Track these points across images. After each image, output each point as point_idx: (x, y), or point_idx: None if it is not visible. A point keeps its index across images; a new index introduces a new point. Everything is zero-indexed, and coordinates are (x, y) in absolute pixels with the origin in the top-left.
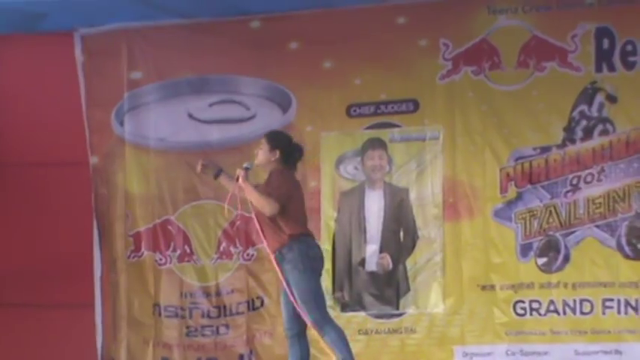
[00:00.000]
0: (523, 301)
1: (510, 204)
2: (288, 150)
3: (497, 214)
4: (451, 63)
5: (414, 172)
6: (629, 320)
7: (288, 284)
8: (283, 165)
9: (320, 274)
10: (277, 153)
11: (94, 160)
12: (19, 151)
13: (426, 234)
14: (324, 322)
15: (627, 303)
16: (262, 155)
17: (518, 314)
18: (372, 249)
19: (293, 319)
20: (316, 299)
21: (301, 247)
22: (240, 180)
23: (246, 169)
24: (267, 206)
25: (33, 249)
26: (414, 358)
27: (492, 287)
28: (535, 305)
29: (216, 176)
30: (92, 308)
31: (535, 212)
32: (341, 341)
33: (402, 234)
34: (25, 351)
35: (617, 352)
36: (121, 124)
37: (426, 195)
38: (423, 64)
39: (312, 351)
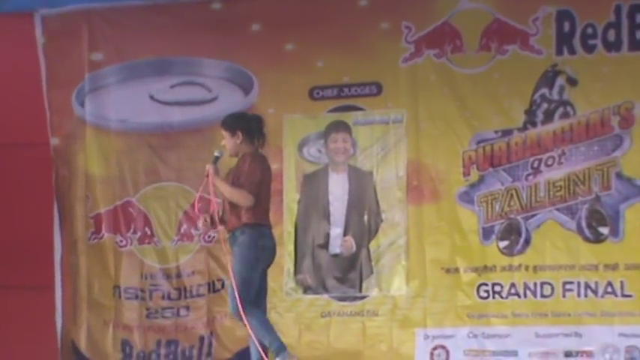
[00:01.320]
0: (486, 284)
1: (473, 187)
2: (247, 126)
3: (461, 197)
4: (413, 46)
5: (378, 155)
6: (588, 303)
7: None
8: (250, 143)
9: (266, 266)
10: (239, 134)
11: (54, 141)
12: None
13: (390, 217)
14: (247, 312)
15: (587, 286)
16: (228, 143)
17: (481, 297)
18: (335, 232)
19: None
20: (246, 288)
21: (253, 234)
22: (210, 176)
23: (217, 158)
24: (241, 199)
25: None
26: (376, 340)
27: (457, 270)
28: (497, 288)
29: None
30: (52, 290)
31: (496, 195)
32: (262, 327)
33: (365, 217)
34: None
35: (577, 334)
36: (82, 105)
37: (390, 178)
38: (386, 47)
39: None
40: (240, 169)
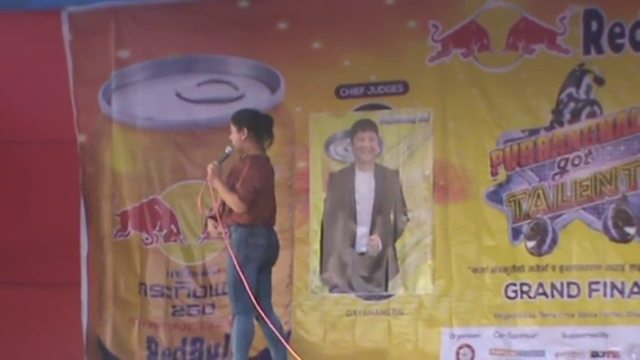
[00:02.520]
0: (514, 284)
1: (501, 187)
2: (254, 124)
3: (490, 196)
4: (440, 45)
5: (404, 153)
6: (614, 303)
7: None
8: (256, 142)
9: (258, 264)
10: (245, 131)
11: (81, 138)
12: (7, 129)
13: (416, 216)
14: (237, 311)
15: (613, 286)
16: (233, 138)
17: (509, 297)
18: (362, 230)
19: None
20: (236, 288)
21: (244, 232)
22: (209, 175)
23: (227, 156)
24: (234, 205)
25: (20, 227)
26: (401, 339)
27: (484, 270)
28: (525, 288)
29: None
30: (78, 287)
31: (523, 195)
32: (240, 338)
33: (392, 216)
34: (11, 329)
35: (603, 334)
36: (109, 102)
37: (416, 177)
38: (413, 46)
39: (299, 330)
40: (239, 172)
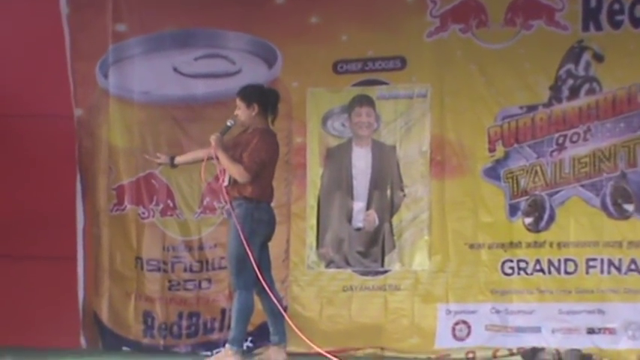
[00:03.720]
0: (511, 261)
1: (498, 163)
2: (263, 100)
3: (487, 173)
4: (439, 20)
5: (401, 129)
6: (611, 280)
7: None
8: (264, 117)
9: (262, 239)
10: (255, 107)
11: (78, 112)
12: (4, 103)
13: (413, 191)
14: (236, 287)
15: (610, 263)
16: (242, 114)
17: (505, 274)
18: (358, 206)
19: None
20: (239, 263)
21: (249, 207)
22: (213, 146)
23: (228, 128)
24: (238, 175)
25: (16, 201)
26: (398, 315)
27: (480, 246)
28: (522, 265)
29: (173, 164)
30: (74, 261)
31: (521, 172)
32: (239, 313)
33: (388, 191)
34: (6, 303)
35: (600, 311)
36: (106, 76)
37: (413, 152)
38: (411, 21)
39: (295, 306)
40: (247, 143)
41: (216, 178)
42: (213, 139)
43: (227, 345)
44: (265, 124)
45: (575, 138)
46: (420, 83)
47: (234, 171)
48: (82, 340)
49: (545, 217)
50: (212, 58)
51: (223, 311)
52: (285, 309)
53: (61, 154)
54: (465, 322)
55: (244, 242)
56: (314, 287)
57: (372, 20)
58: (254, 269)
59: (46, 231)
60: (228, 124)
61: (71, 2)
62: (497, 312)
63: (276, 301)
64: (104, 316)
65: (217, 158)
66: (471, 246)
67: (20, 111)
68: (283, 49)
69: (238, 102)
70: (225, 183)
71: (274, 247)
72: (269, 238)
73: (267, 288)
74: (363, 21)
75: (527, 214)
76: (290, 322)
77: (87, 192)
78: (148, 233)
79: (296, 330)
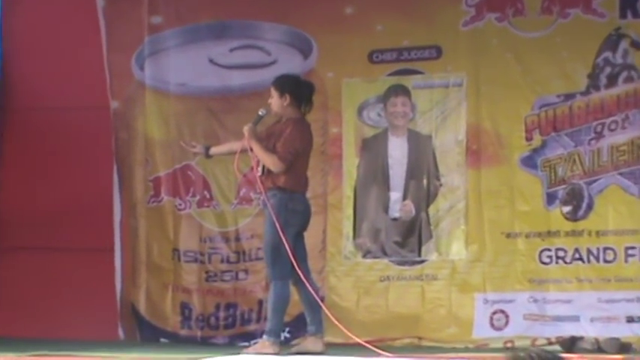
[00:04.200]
0: (549, 249)
1: (536, 152)
2: (296, 91)
3: (524, 161)
4: (474, 9)
5: (437, 118)
6: None
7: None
8: (297, 108)
9: (296, 230)
10: (287, 97)
11: (114, 104)
12: (41, 96)
13: (449, 181)
14: (273, 277)
15: None
16: (274, 103)
17: (543, 262)
18: (395, 196)
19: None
20: (274, 253)
21: (283, 197)
22: (246, 136)
23: (260, 118)
24: (272, 165)
25: (53, 193)
26: (435, 305)
27: (517, 235)
28: (561, 253)
29: (207, 154)
30: (112, 253)
31: (559, 160)
32: (276, 304)
33: (425, 181)
34: (45, 295)
35: (639, 299)
36: (142, 68)
37: (450, 142)
38: (446, 11)
39: (332, 296)
40: (280, 133)
41: (252, 169)
42: (246, 130)
43: (264, 336)
44: (299, 114)
45: (613, 126)
46: (455, 72)
47: (269, 161)
48: (120, 332)
49: (584, 205)
50: (248, 49)
51: (260, 302)
52: (322, 299)
53: (97, 147)
54: (502, 312)
55: (279, 232)
56: (351, 277)
57: (407, 10)
58: (289, 259)
59: (83, 223)
60: (260, 113)
61: None
62: (535, 301)
63: (312, 292)
64: (142, 307)
65: (251, 149)
66: (508, 235)
67: (57, 104)
68: (318, 39)
69: (272, 91)
70: (259, 173)
71: (311, 237)
72: (304, 228)
73: (303, 278)
74: (398, 11)
75: (565, 203)
76: (327, 312)
77: (124, 184)
78: (185, 225)
79: (334, 320)
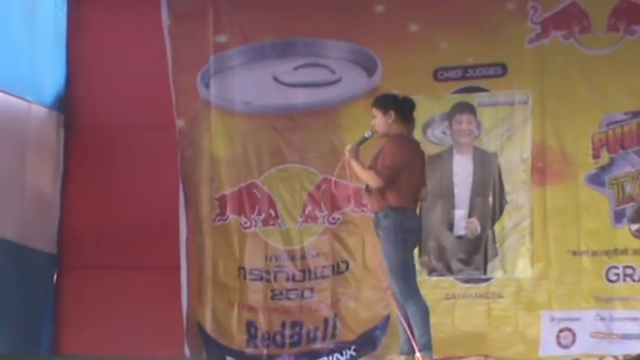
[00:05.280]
0: (616, 267)
1: (604, 169)
2: (400, 107)
3: (591, 179)
4: (540, 27)
5: (502, 136)
6: None
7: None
8: (401, 125)
9: (414, 246)
10: (392, 114)
11: (180, 123)
12: (108, 115)
13: (515, 199)
14: (409, 295)
15: None
16: (379, 123)
17: (610, 280)
18: (460, 213)
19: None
20: (403, 271)
21: (397, 217)
22: (347, 156)
23: (365, 139)
24: (370, 180)
25: (120, 212)
26: (501, 323)
27: (583, 253)
28: (629, 271)
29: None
30: (178, 271)
31: (627, 178)
32: (422, 319)
33: (490, 198)
34: (112, 313)
35: None
36: (207, 87)
37: (515, 159)
38: (511, 28)
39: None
40: (382, 150)
41: (318, 188)
42: (347, 149)
43: (419, 353)
44: (404, 131)
45: None
46: (520, 89)
47: (367, 177)
48: (186, 350)
49: None
50: (312, 67)
51: (326, 320)
52: (388, 317)
53: (163, 165)
54: (569, 330)
55: (400, 252)
56: None
57: (472, 27)
58: (415, 275)
59: (150, 241)
60: (366, 135)
61: (172, 14)
62: (602, 319)
63: (400, 315)
64: (208, 325)
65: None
66: (574, 253)
67: (124, 122)
68: (383, 57)
69: (374, 111)
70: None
71: (376, 255)
72: (417, 245)
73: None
74: (463, 28)
75: (633, 221)
76: (406, 328)
77: (189, 202)
78: (251, 243)
79: (410, 337)
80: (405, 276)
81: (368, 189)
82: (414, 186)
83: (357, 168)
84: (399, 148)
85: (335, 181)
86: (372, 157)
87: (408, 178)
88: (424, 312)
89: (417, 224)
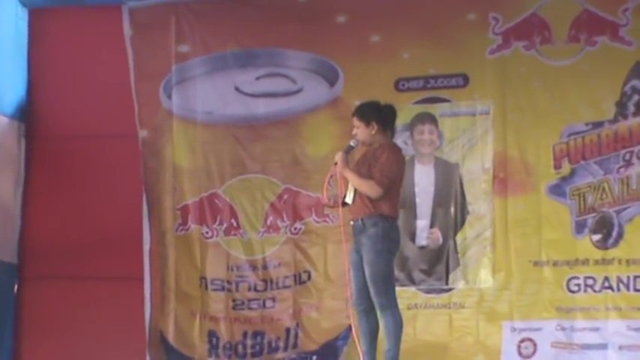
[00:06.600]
0: (577, 278)
1: (565, 180)
2: (382, 117)
3: (552, 190)
4: (501, 37)
5: (464, 147)
6: None
7: (359, 256)
8: (384, 134)
9: (394, 256)
10: (374, 125)
11: (143, 133)
12: (69, 124)
13: (476, 209)
14: (388, 306)
15: None
16: (362, 133)
17: (571, 291)
18: (422, 224)
19: (362, 293)
20: (387, 282)
21: (386, 226)
22: (339, 165)
23: (351, 148)
24: (369, 191)
25: (83, 221)
26: (463, 333)
27: (545, 263)
28: (590, 282)
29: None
30: (141, 281)
31: (588, 189)
32: (395, 331)
33: (452, 209)
34: (74, 323)
35: None
36: (169, 97)
37: (476, 170)
38: (472, 39)
39: None
40: (376, 159)
41: (279, 198)
42: (338, 157)
43: None
44: (389, 140)
45: None
46: (482, 100)
47: (366, 187)
48: None
49: (614, 234)
50: (273, 77)
51: (288, 330)
52: (350, 327)
53: (126, 175)
54: (530, 340)
55: (385, 261)
56: None
57: (434, 38)
58: (394, 286)
59: (112, 251)
60: (352, 144)
61: (134, 24)
62: (563, 329)
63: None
64: (170, 335)
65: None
66: (535, 263)
67: (85, 132)
68: (344, 67)
69: (356, 121)
70: (350, 201)
71: (340, 265)
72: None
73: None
74: (425, 39)
75: (594, 232)
76: (357, 340)
77: (153, 212)
78: (212, 253)
79: (359, 349)
80: (387, 285)
81: (344, 201)
82: (399, 196)
83: (352, 177)
84: (395, 159)
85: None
86: (352, 164)
87: (398, 187)
88: (399, 324)
89: (399, 236)
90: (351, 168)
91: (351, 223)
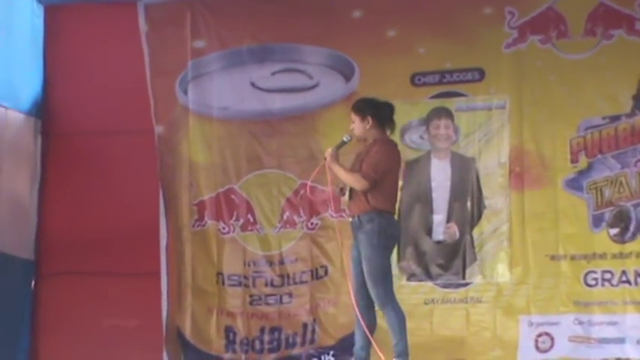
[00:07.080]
0: (595, 272)
1: (582, 174)
2: (378, 113)
3: (569, 184)
4: (517, 32)
5: (480, 141)
6: None
7: (358, 252)
8: (380, 130)
9: (392, 252)
10: (370, 120)
11: (159, 129)
12: (85, 120)
13: (493, 203)
14: (387, 301)
15: None
16: (357, 128)
17: (588, 285)
18: (438, 218)
19: (362, 289)
20: (384, 277)
21: (382, 222)
22: (328, 160)
23: (344, 143)
24: (356, 184)
25: (99, 218)
26: (480, 327)
27: (562, 257)
28: (607, 276)
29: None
30: (158, 277)
31: (605, 182)
32: (399, 325)
33: (468, 203)
34: (91, 319)
35: None
36: (185, 92)
37: (493, 164)
38: (488, 33)
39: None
40: (366, 153)
41: (296, 193)
42: (328, 153)
43: (396, 359)
44: (384, 135)
45: None
46: (498, 94)
47: (352, 180)
48: (165, 356)
49: (632, 228)
50: (289, 72)
51: (305, 325)
52: None
53: (142, 171)
54: (547, 334)
55: (382, 257)
56: None
57: (449, 32)
58: (392, 281)
59: (129, 247)
60: (345, 139)
61: (149, 20)
62: (581, 323)
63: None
64: (187, 331)
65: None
66: (552, 257)
67: (101, 128)
68: (360, 62)
69: (352, 116)
70: (346, 197)
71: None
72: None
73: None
74: (440, 33)
75: (612, 225)
76: (370, 337)
77: (169, 208)
78: (229, 248)
79: (376, 347)
80: (385, 281)
81: (343, 192)
82: (396, 190)
83: (340, 171)
84: (385, 152)
85: (310, 186)
86: (352, 161)
87: (392, 181)
88: (401, 318)
89: (398, 232)
90: (340, 163)
91: (350, 219)
